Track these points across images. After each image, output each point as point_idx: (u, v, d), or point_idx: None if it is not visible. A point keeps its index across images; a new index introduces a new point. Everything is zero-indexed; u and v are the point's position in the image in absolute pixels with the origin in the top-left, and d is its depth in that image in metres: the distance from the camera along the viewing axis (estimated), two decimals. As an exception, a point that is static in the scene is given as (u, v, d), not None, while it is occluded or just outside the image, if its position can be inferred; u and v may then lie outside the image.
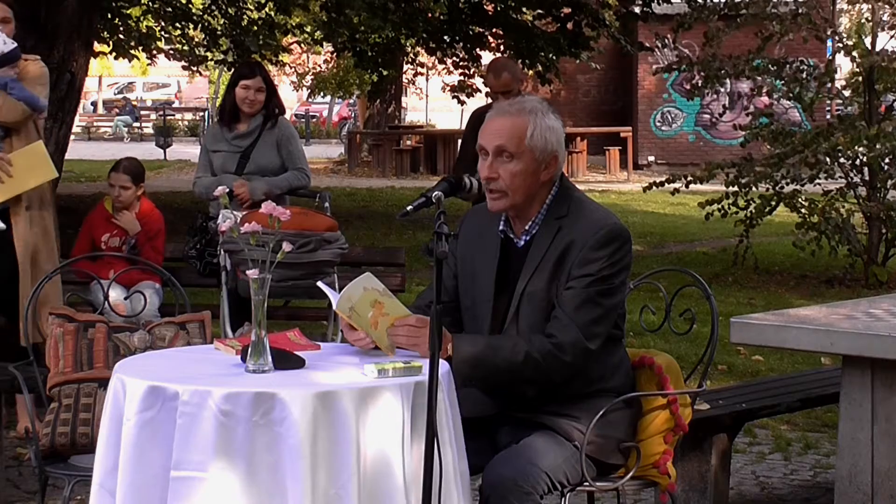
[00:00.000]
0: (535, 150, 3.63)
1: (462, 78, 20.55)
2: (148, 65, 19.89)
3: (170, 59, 19.75)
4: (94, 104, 48.64)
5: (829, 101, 13.95)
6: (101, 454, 3.26)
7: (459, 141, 29.27)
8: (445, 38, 18.10)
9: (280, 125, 7.08)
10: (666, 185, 12.37)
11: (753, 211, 12.18)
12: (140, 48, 17.78)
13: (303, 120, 41.77)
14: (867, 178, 12.14)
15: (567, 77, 22.75)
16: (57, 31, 8.91)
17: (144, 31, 17.32)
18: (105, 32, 15.64)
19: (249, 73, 7.08)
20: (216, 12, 17.15)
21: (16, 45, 5.95)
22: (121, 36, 16.89)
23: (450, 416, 3.28)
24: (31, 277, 5.86)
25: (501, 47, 17.98)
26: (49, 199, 6.10)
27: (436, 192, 3.40)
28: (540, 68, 17.48)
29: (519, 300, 3.67)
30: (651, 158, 27.60)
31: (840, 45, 12.54)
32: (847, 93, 12.90)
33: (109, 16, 15.25)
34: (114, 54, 16.72)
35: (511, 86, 7.75)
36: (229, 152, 7.04)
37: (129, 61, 18.01)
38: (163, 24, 17.86)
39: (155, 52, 18.56)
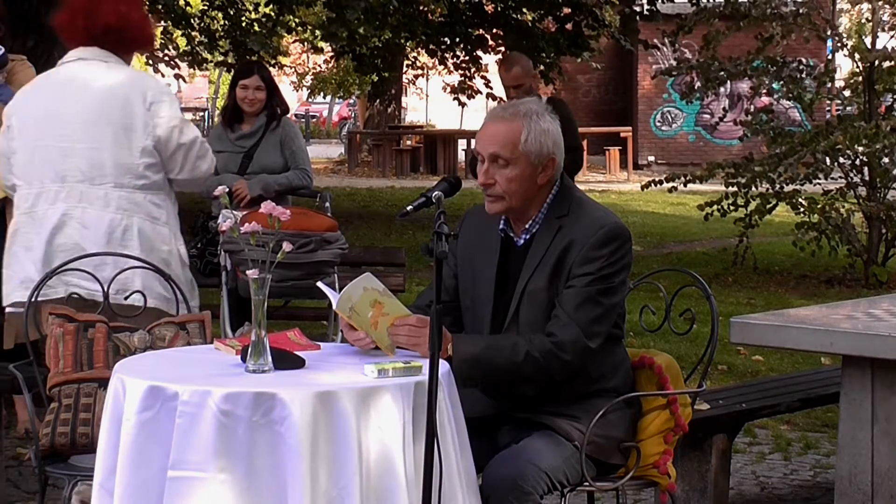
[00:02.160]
0: (530, 155, 3.63)
1: (462, 79, 20.55)
2: (152, 68, 19.81)
3: (162, 74, 19.70)
4: (94, 104, 48.56)
5: (829, 102, 13.93)
6: (101, 455, 3.26)
7: (460, 141, 29.06)
8: (446, 39, 18.10)
9: (284, 125, 7.09)
10: (665, 182, 12.37)
11: (753, 211, 12.19)
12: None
13: (303, 120, 41.76)
14: (867, 177, 12.15)
15: (567, 77, 22.76)
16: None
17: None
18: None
19: (247, 73, 7.11)
20: (216, 13, 17.14)
21: (3, 50, 5.94)
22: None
23: (451, 415, 3.28)
24: None
25: (502, 48, 17.99)
26: None
27: (436, 192, 3.40)
28: (542, 68, 17.50)
29: (519, 299, 3.67)
30: (651, 158, 27.60)
31: (840, 44, 12.54)
32: (847, 93, 12.90)
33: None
34: None
35: (522, 80, 7.74)
36: (232, 153, 7.04)
37: None
38: (164, 25, 17.83)
39: (158, 58, 18.52)
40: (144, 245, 4.64)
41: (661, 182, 12.42)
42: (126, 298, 4.47)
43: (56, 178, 4.66)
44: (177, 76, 19.97)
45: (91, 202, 4.63)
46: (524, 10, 17.21)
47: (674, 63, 13.43)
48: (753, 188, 12.18)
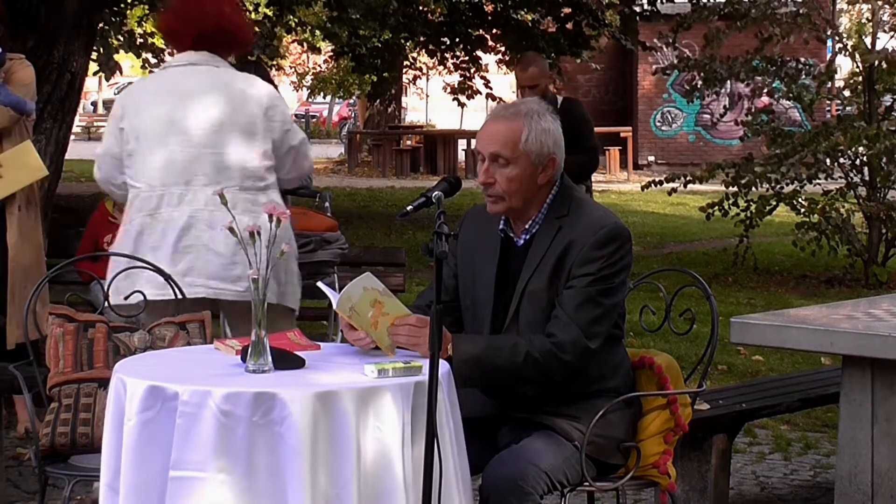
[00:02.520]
0: (530, 155, 3.64)
1: (462, 79, 20.54)
2: (148, 70, 19.77)
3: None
4: (94, 104, 48.58)
5: (829, 102, 13.93)
6: (106, 455, 3.26)
7: (460, 141, 28.96)
8: (445, 39, 18.10)
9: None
10: (665, 183, 12.37)
11: (753, 211, 12.19)
12: (142, 52, 17.70)
13: (303, 120, 41.76)
14: (867, 178, 12.15)
15: (567, 77, 22.76)
16: (57, 31, 8.90)
17: (143, 39, 17.23)
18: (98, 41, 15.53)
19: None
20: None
21: (1, 50, 5.93)
22: (118, 39, 16.82)
23: (450, 416, 3.28)
24: (18, 277, 5.88)
25: (502, 48, 17.99)
26: (35, 199, 6.11)
27: (436, 192, 3.40)
28: (542, 68, 17.48)
29: (519, 299, 3.67)
30: (651, 158, 27.60)
31: (840, 45, 12.53)
32: (847, 93, 12.90)
33: (106, 25, 15.14)
34: (96, 67, 16.57)
35: (538, 80, 7.72)
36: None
37: (108, 80, 17.87)
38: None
39: (160, 59, 18.51)
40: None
41: (661, 182, 12.42)
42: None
43: (179, 181, 4.72)
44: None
45: (217, 205, 4.67)
46: (524, 10, 17.20)
47: (675, 62, 13.44)
48: (754, 189, 12.18)
